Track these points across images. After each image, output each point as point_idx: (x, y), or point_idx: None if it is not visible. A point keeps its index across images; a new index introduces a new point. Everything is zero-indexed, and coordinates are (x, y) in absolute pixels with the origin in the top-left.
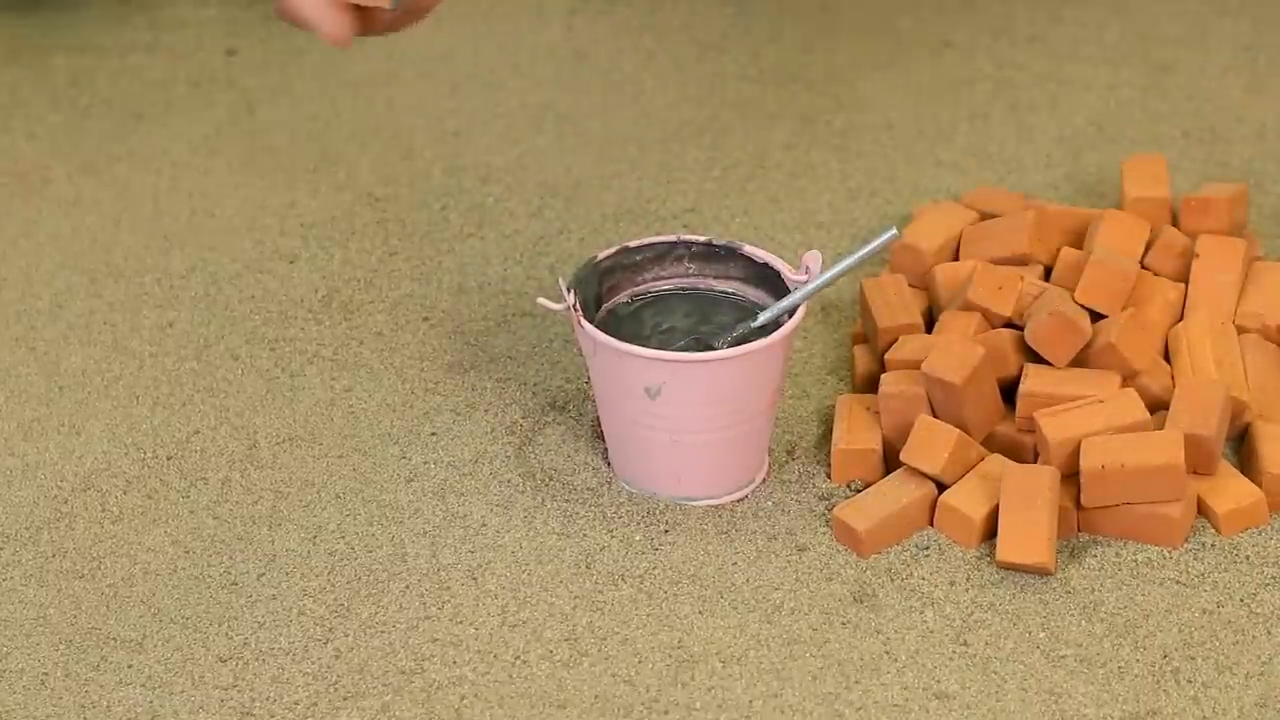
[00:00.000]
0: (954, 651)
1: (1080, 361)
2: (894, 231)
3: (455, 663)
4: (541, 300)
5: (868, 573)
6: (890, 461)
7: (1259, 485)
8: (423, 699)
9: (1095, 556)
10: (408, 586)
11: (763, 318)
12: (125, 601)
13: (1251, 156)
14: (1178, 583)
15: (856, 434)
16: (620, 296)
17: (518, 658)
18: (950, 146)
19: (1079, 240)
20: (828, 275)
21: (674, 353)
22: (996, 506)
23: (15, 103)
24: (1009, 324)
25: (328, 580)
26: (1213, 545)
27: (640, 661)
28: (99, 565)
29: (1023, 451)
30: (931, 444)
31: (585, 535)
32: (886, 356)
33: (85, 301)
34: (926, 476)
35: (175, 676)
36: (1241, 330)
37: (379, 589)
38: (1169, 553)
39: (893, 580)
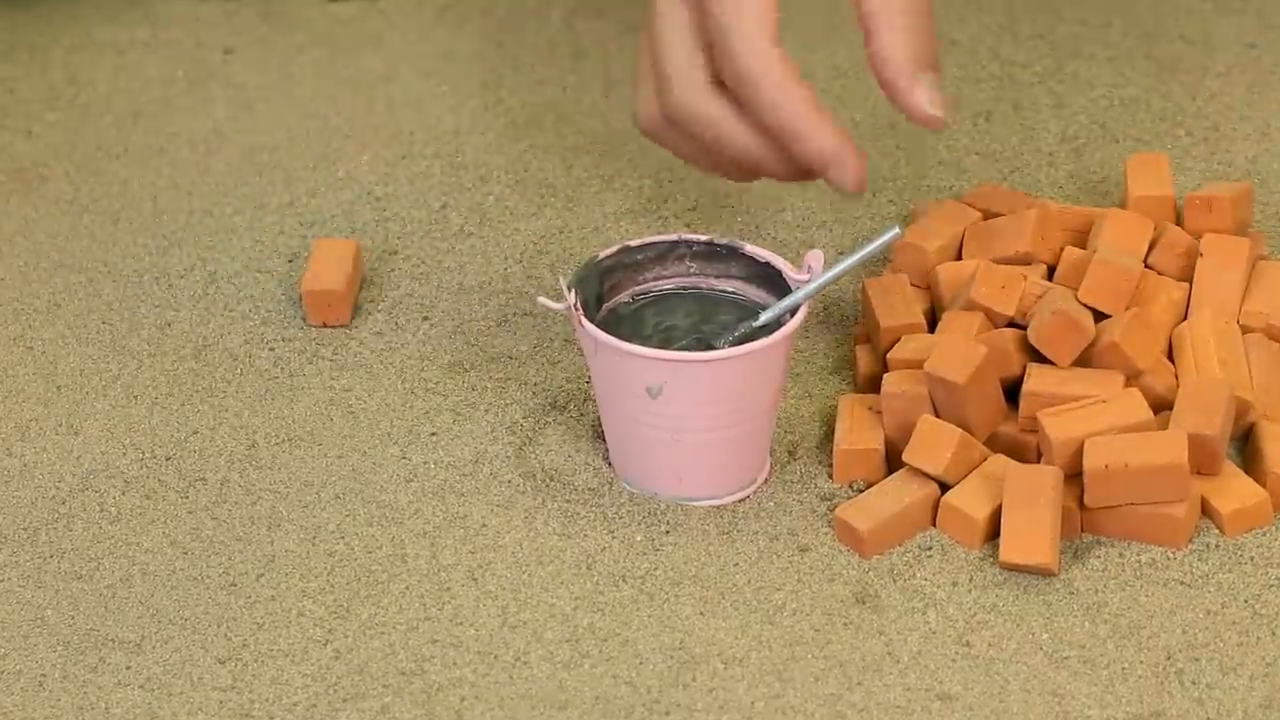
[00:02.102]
0: (957, 652)
1: (1084, 361)
2: (896, 230)
3: (455, 664)
4: (542, 300)
5: (870, 573)
6: (892, 462)
7: (1263, 485)
8: (422, 700)
9: (1098, 557)
10: (407, 587)
11: (764, 317)
12: (123, 602)
13: (1256, 155)
14: (1181, 583)
15: (858, 434)
16: (621, 296)
17: (518, 659)
18: (953, 145)
19: (1082, 239)
20: (828, 276)
21: (675, 352)
22: (999, 507)
23: (13, 100)
24: (1012, 323)
25: (327, 581)
26: (1217, 546)
27: (641, 663)
28: (97, 566)
29: (1026, 451)
30: (934, 444)
31: (586, 536)
32: (889, 356)
33: (83, 301)
34: (929, 477)
35: (174, 678)
36: (1246, 329)
37: (378, 590)
38: (1173, 553)
39: (895, 581)
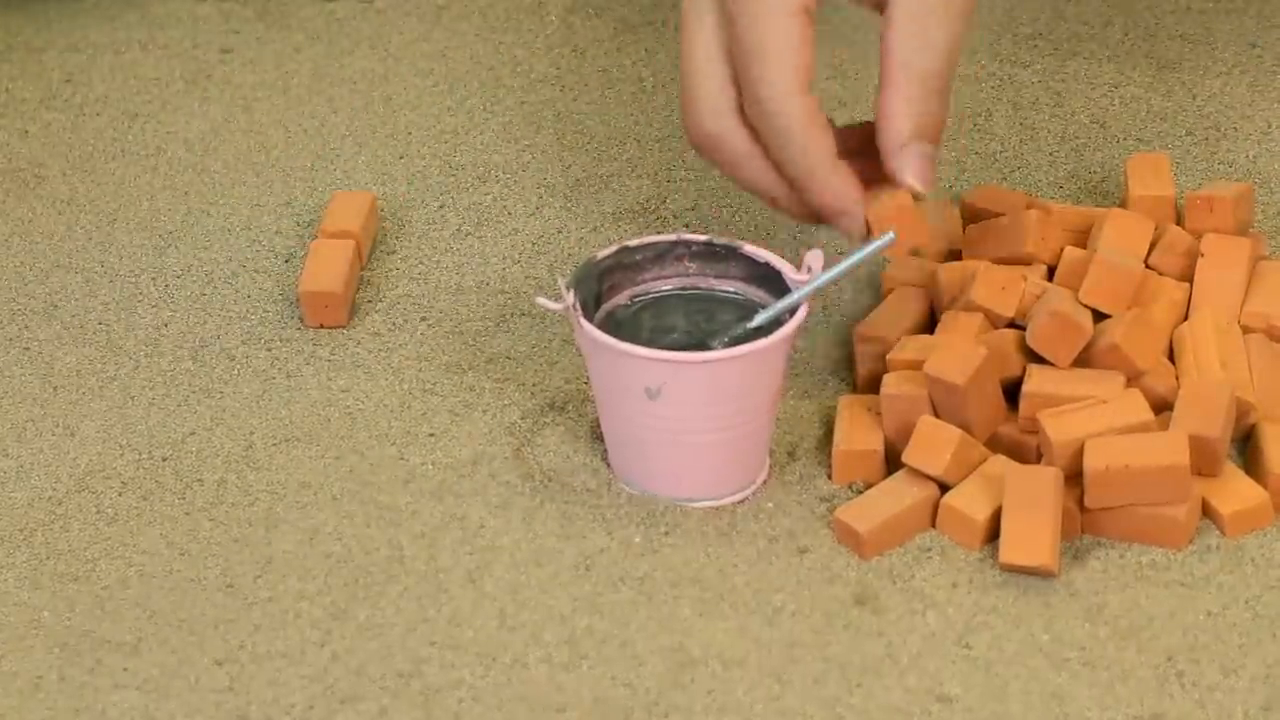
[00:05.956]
0: (956, 654)
1: (1084, 362)
2: (890, 235)
3: (453, 665)
4: (540, 300)
5: (869, 575)
6: (892, 463)
7: (1264, 487)
8: (420, 702)
9: (1099, 558)
10: (405, 589)
11: (758, 319)
12: (120, 604)
13: (1256, 155)
14: (1182, 585)
15: (858, 435)
16: (620, 296)
17: (516, 660)
18: (952, 144)
19: (1083, 239)
20: (818, 282)
21: (674, 352)
22: (999, 508)
23: (9, 100)
24: (1012, 324)
25: (324, 582)
26: (1217, 547)
27: (640, 664)
28: (93, 567)
29: (1026, 452)
30: (934, 445)
31: (584, 537)
32: (888, 357)
33: (80, 301)
34: (929, 478)
35: (171, 680)
36: (1247, 330)
37: (376, 591)
38: (1173, 555)
39: (894, 582)
